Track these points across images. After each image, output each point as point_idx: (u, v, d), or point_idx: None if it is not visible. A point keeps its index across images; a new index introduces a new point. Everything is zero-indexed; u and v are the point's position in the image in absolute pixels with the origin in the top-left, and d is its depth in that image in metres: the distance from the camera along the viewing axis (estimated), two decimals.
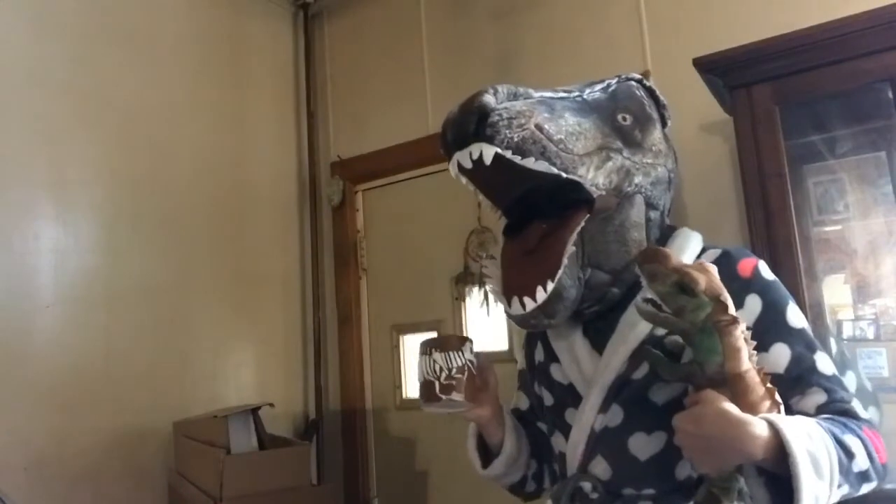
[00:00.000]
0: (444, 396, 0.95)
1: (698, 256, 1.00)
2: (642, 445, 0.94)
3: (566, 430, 1.02)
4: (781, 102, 1.33)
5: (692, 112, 1.67)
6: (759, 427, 0.76)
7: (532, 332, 1.16)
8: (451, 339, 1.02)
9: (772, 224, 1.30)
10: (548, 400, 1.08)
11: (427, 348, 1.00)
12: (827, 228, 1.51)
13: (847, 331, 1.44)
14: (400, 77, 2.38)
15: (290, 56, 2.62)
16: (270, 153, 2.47)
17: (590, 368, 1.00)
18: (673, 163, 1.07)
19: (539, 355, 1.12)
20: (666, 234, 1.05)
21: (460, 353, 0.98)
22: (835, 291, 1.45)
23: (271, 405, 1.93)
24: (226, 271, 2.23)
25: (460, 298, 2.19)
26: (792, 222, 1.29)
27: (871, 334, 1.41)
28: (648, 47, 1.86)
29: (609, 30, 1.93)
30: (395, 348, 2.34)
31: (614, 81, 1.07)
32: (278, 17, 2.59)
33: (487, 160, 0.88)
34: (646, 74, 1.81)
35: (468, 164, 0.90)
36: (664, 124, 1.09)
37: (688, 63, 1.41)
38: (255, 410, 1.88)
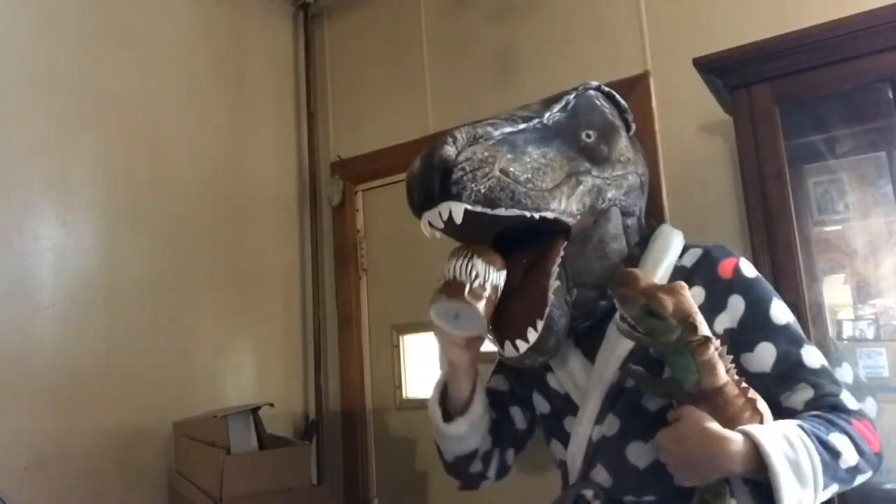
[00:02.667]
0: (470, 301, 0.89)
1: (680, 256, 1.00)
2: (640, 454, 0.94)
3: (565, 438, 1.02)
4: (781, 102, 1.32)
5: (692, 112, 1.67)
6: (735, 442, 0.77)
7: None
8: (496, 257, 0.94)
9: (772, 224, 1.30)
10: (544, 408, 1.09)
11: (468, 251, 0.93)
12: (827, 228, 1.51)
13: (847, 331, 1.44)
14: (400, 77, 2.38)
15: (290, 56, 2.62)
16: (270, 153, 2.47)
17: (583, 378, 1.00)
18: (643, 167, 1.07)
19: None
20: (646, 235, 1.04)
21: (500, 275, 0.93)
22: (835, 291, 1.45)
23: (271, 405, 1.93)
24: (226, 271, 2.23)
25: None
26: (792, 222, 1.29)
27: (870, 334, 1.41)
28: (648, 47, 1.86)
29: (609, 30, 1.93)
30: (395, 348, 2.34)
31: (573, 97, 1.04)
32: (278, 17, 2.59)
33: (458, 219, 0.86)
34: (646, 74, 1.82)
35: (439, 224, 0.89)
36: (628, 129, 1.08)
37: (688, 63, 1.41)
38: (255, 410, 1.88)
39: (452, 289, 0.90)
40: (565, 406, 1.03)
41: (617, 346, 0.97)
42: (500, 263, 0.94)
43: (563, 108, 1.02)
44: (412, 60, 2.35)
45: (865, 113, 1.42)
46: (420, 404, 2.19)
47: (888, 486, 1.28)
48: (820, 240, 1.50)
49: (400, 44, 2.40)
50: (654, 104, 1.79)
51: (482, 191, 0.86)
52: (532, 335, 0.91)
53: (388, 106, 2.41)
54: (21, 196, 1.77)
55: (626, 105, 1.09)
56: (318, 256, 2.50)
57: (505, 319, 0.95)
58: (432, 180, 0.87)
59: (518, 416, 1.15)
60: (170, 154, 2.12)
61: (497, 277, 0.93)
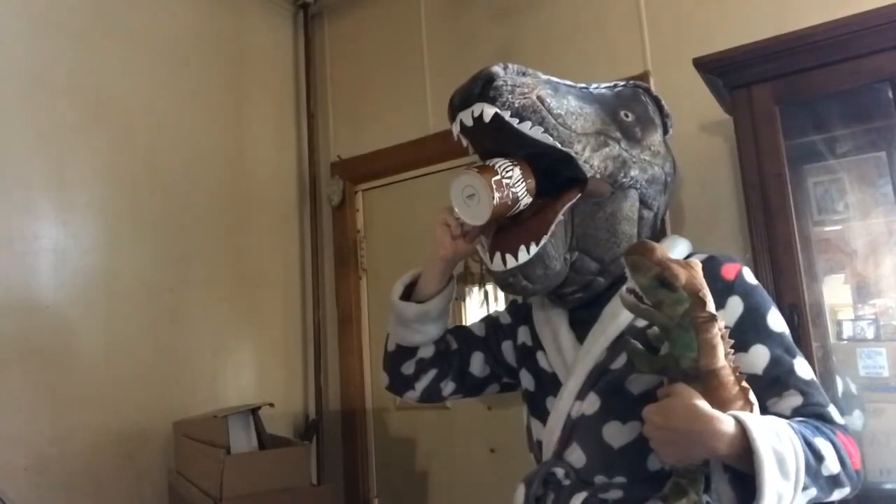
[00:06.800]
0: (493, 187, 0.91)
1: (685, 259, 1.01)
2: (616, 434, 0.94)
3: (545, 417, 1.03)
4: (781, 102, 1.33)
5: (692, 112, 1.67)
6: (725, 423, 0.77)
7: (519, 301, 1.18)
8: (533, 184, 0.96)
9: (772, 224, 1.30)
10: (529, 385, 1.10)
11: (517, 161, 0.96)
12: (827, 228, 1.51)
13: (847, 331, 1.44)
14: (400, 77, 2.38)
15: (290, 56, 2.62)
16: (270, 153, 2.47)
17: (572, 357, 1.01)
18: (671, 167, 1.08)
19: (524, 336, 1.14)
20: (657, 237, 1.06)
21: (527, 195, 0.95)
22: (835, 291, 1.46)
23: (271, 405, 1.93)
24: (226, 271, 2.24)
25: (460, 298, 2.19)
26: (792, 222, 1.29)
27: (870, 334, 1.41)
28: (648, 47, 1.86)
29: (609, 30, 1.93)
30: None
31: (622, 84, 1.10)
32: (278, 17, 2.59)
33: (487, 118, 0.91)
34: (646, 74, 1.82)
35: (469, 122, 0.94)
36: (665, 131, 1.10)
37: (688, 63, 1.41)
38: (255, 410, 1.88)
39: (484, 169, 0.94)
40: (551, 385, 1.04)
41: (608, 328, 0.98)
42: (533, 189, 0.97)
43: (610, 88, 1.08)
44: (412, 60, 2.35)
45: (865, 113, 1.42)
46: (420, 404, 2.19)
47: (888, 486, 1.28)
48: (820, 240, 1.50)
49: (400, 44, 2.40)
50: None
51: (516, 104, 0.92)
52: (523, 255, 0.93)
53: (388, 106, 2.41)
54: (21, 196, 1.77)
55: (669, 111, 1.12)
56: (318, 256, 2.50)
57: (503, 235, 0.98)
58: (475, 86, 0.94)
59: (477, 362, 1.18)
60: (170, 154, 2.12)
61: (523, 192, 0.95)
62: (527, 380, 1.11)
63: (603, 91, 1.06)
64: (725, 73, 1.38)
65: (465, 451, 2.16)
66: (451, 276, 1.12)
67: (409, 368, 1.16)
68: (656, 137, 1.06)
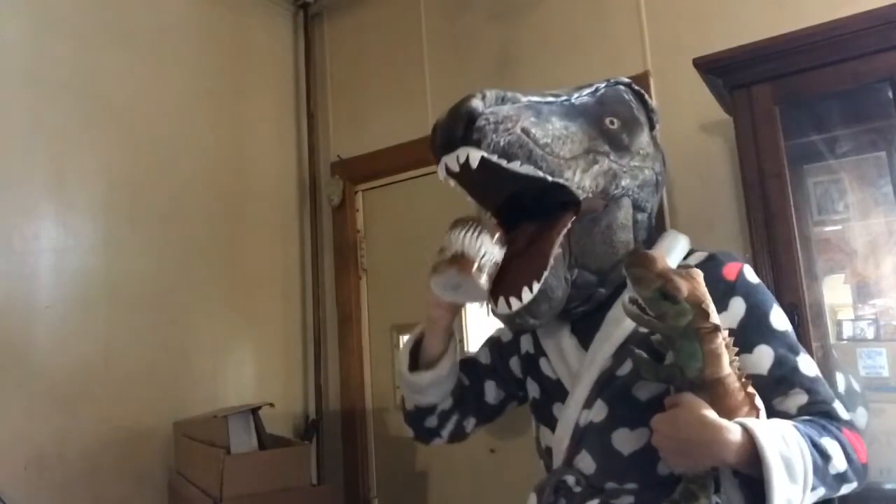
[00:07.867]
0: (479, 277, 0.91)
1: (684, 259, 1.01)
2: (625, 441, 0.95)
3: (552, 423, 1.03)
4: (781, 102, 1.32)
5: (692, 112, 1.67)
6: (733, 432, 0.78)
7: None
8: (501, 233, 0.95)
9: (772, 224, 1.30)
10: (535, 392, 1.10)
11: (475, 225, 0.94)
12: (827, 228, 1.51)
13: (847, 331, 1.44)
14: (400, 77, 2.38)
15: (290, 56, 2.62)
16: (270, 153, 2.47)
17: (576, 364, 1.01)
18: (661, 165, 1.08)
19: (527, 345, 1.13)
20: (653, 236, 1.06)
21: (502, 251, 0.95)
22: (835, 291, 1.45)
23: (271, 405, 1.93)
24: (226, 271, 2.23)
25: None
26: (792, 222, 1.29)
27: (870, 334, 1.41)
28: (648, 47, 1.86)
29: (609, 30, 1.93)
30: (395, 348, 2.33)
31: (603, 85, 1.08)
32: (278, 17, 2.59)
33: (474, 164, 0.88)
34: (646, 74, 1.82)
35: (455, 168, 0.91)
36: (652, 127, 1.10)
37: (688, 63, 1.41)
38: (255, 410, 1.88)
39: (462, 263, 0.92)
40: (556, 392, 1.04)
41: (612, 334, 0.98)
42: (503, 239, 0.96)
43: (592, 94, 1.06)
44: (412, 60, 2.35)
45: (865, 113, 1.42)
46: None
47: (888, 486, 1.28)
48: (820, 240, 1.50)
49: (400, 44, 2.40)
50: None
51: (501, 143, 0.88)
52: (527, 295, 0.92)
53: (388, 106, 2.41)
54: (21, 196, 1.77)
55: (653, 105, 1.11)
56: (318, 256, 2.50)
57: (503, 277, 0.96)
58: (456, 126, 0.89)
59: (491, 390, 1.18)
60: (170, 154, 2.12)
61: (500, 254, 0.95)
62: (532, 387, 1.11)
63: (585, 100, 1.04)
64: (725, 73, 1.38)
65: (465, 451, 2.15)
66: (452, 332, 1.10)
67: (432, 422, 1.16)
68: (643, 138, 1.05)
